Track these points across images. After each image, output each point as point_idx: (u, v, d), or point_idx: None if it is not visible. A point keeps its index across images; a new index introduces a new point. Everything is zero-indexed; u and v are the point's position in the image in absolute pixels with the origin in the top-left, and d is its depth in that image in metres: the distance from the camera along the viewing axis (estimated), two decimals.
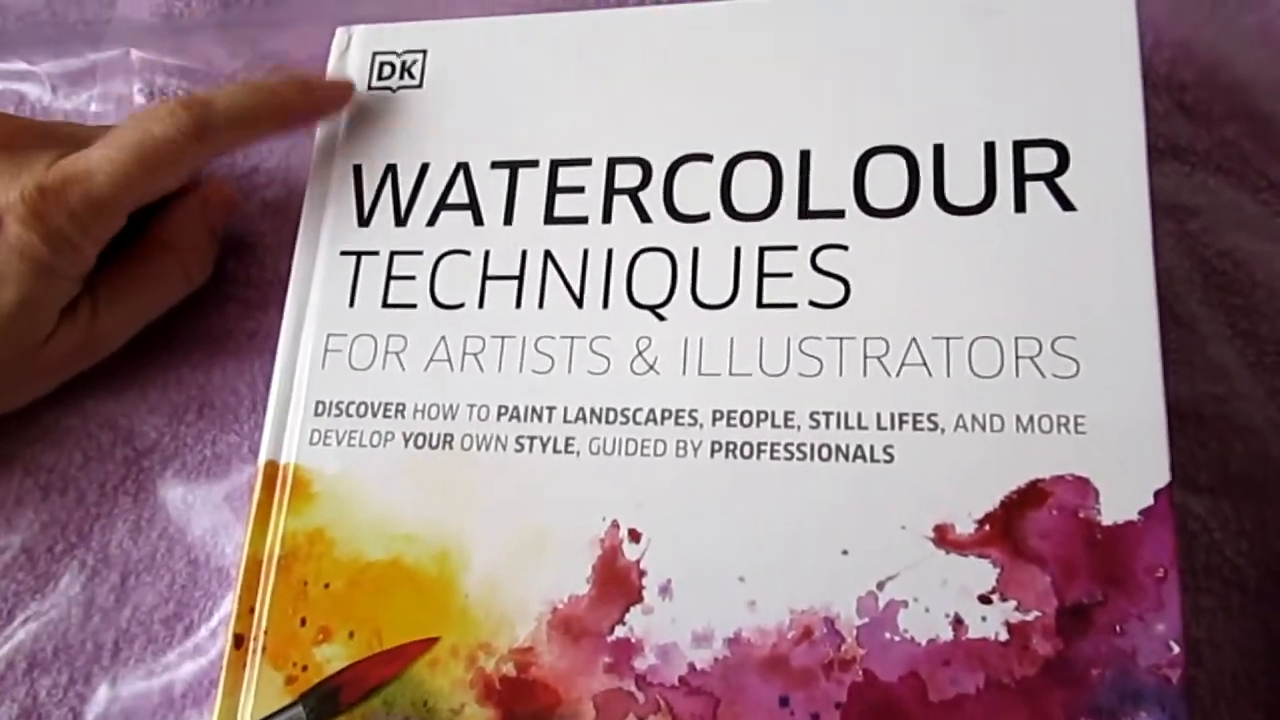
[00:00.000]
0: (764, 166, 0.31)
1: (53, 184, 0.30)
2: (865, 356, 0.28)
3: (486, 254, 0.31)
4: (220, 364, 0.36)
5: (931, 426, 0.27)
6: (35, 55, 0.42)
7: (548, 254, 0.31)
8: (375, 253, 0.32)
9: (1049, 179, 0.29)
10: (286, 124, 0.34)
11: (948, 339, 0.28)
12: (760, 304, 0.29)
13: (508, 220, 0.32)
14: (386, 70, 0.34)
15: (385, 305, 0.32)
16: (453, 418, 0.30)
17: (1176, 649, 0.25)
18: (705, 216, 0.31)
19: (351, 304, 0.32)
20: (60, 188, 0.30)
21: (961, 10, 0.30)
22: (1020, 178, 0.29)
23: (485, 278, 0.31)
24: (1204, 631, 0.29)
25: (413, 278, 0.32)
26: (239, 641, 0.29)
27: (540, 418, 0.30)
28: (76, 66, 0.41)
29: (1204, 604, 0.30)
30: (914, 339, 0.28)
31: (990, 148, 0.29)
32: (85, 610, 0.34)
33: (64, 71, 0.41)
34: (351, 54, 0.35)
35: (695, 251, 0.30)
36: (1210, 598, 0.30)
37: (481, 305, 0.31)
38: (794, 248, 0.30)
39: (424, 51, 0.34)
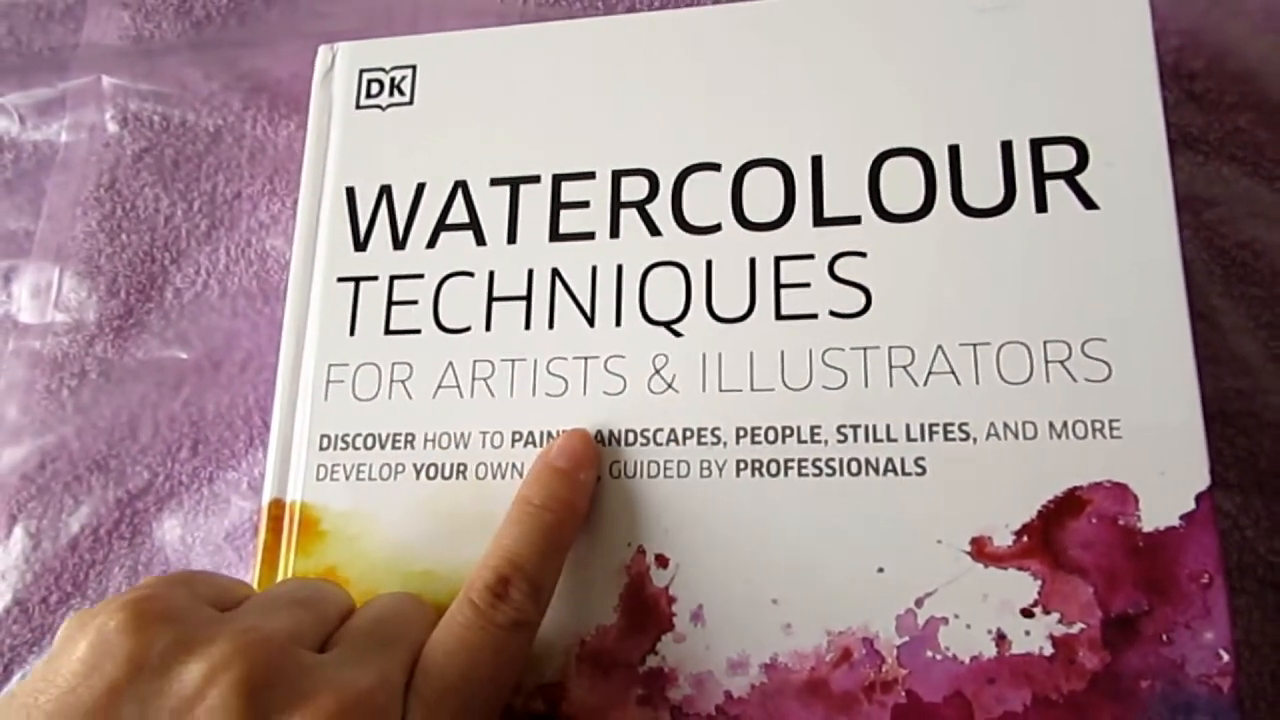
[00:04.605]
0: (775, 174, 0.30)
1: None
2: (891, 366, 0.28)
3: (491, 275, 0.30)
4: (213, 398, 0.35)
5: (963, 436, 0.27)
6: (0, 85, 0.40)
7: (555, 272, 0.30)
8: (374, 278, 0.31)
9: (1069, 177, 0.28)
10: (582, 518, 0.28)
11: (975, 345, 0.27)
12: (779, 316, 0.28)
13: (511, 239, 0.31)
14: (375, 87, 0.33)
15: (388, 332, 0.30)
16: (465, 446, 0.29)
17: (1226, 657, 0.24)
18: (717, 227, 0.30)
19: (352, 332, 0.31)
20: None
21: (970, 7, 0.30)
22: (1040, 177, 0.28)
23: (491, 299, 0.30)
24: (1240, 632, 0.29)
25: (415, 302, 0.31)
26: None
27: None
28: (45, 96, 0.40)
29: (1239, 604, 0.29)
30: (940, 346, 0.27)
31: (1007, 147, 0.29)
32: None
33: (32, 102, 0.40)
34: (336, 72, 0.34)
35: (709, 264, 0.29)
36: (1246, 598, 0.29)
37: (489, 328, 0.30)
38: (811, 256, 0.29)
39: (413, 67, 0.33)
